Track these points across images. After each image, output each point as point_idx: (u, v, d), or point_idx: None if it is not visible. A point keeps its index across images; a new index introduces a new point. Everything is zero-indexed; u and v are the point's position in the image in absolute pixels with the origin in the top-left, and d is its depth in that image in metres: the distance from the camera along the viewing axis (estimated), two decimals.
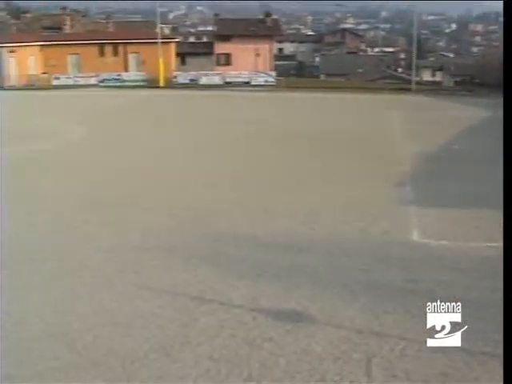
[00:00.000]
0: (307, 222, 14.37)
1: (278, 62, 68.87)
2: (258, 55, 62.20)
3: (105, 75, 55.25)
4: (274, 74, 56.65)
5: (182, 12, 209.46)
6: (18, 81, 56.16)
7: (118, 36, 63.35)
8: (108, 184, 18.60)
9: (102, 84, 54.42)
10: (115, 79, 55.09)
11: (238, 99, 44.70)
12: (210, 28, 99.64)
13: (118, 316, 9.39)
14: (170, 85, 53.20)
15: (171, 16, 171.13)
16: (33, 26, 72.24)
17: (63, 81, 55.42)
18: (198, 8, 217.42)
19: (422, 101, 42.65)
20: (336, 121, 32.01)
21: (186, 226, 14.21)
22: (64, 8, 76.78)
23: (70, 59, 59.56)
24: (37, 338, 8.74)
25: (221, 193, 17.19)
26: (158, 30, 57.94)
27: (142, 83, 54.21)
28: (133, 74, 56.91)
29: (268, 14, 69.80)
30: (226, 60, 63.11)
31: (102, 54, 60.07)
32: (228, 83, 54.04)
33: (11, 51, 57.26)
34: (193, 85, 53.61)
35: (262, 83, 53.82)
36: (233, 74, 55.84)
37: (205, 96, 45.91)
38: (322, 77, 79.76)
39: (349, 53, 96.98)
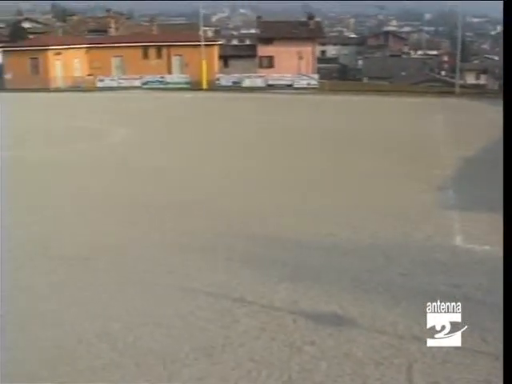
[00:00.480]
0: (350, 225, 14.31)
1: (320, 65, 68.76)
2: (300, 58, 62.16)
3: (148, 77, 55.80)
4: (316, 76, 56.64)
5: (225, 15, 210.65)
6: (64, 82, 57.02)
7: (161, 38, 63.93)
8: (152, 184, 18.77)
9: (145, 86, 54.97)
10: (159, 81, 55.59)
11: (281, 102, 44.76)
12: (252, 31, 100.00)
13: (159, 316, 9.44)
14: (213, 87, 53.52)
15: (214, 19, 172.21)
16: (78, 29, 73.34)
17: (107, 83, 56.16)
18: (241, 11, 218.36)
19: (466, 104, 42.25)
20: (378, 124, 31.86)
21: (229, 227, 14.25)
22: (109, 11, 77.75)
23: (115, 61, 60.26)
24: (80, 337, 8.85)
25: (265, 195, 17.21)
26: (201, 32, 58.29)
27: (185, 85, 54.61)
28: (176, 77, 57.35)
29: (310, 17, 69.72)
30: (269, 62, 63.16)
31: (145, 56, 60.64)
32: (270, 86, 54.18)
33: (57, 53, 58.17)
34: (236, 87, 53.83)
35: (305, 86, 53.87)
36: (275, 76, 55.94)
37: (248, 98, 46.08)
38: (365, 80, 79.60)
39: (392, 56, 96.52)
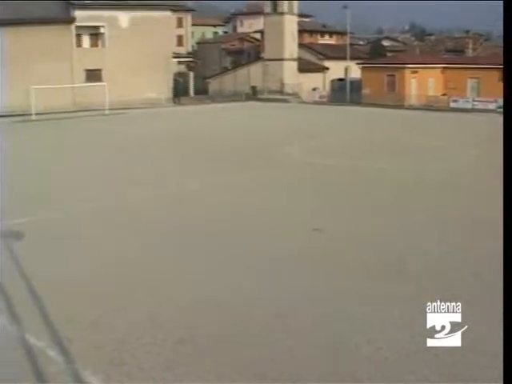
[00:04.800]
0: None
1: None
2: None
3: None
4: None
5: None
6: (417, 101, 58.20)
7: None
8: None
9: (499, 110, 53.92)
10: None
11: None
12: None
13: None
14: None
15: None
16: (436, 48, 74.23)
17: (461, 104, 56.05)
18: None
19: None
20: None
21: None
22: (467, 31, 77.56)
23: (470, 83, 59.76)
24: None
25: None
26: None
27: None
28: None
29: None
30: None
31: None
32: None
33: (413, 72, 59.53)
34: None
35: None
36: None
37: None
38: None
39: None
